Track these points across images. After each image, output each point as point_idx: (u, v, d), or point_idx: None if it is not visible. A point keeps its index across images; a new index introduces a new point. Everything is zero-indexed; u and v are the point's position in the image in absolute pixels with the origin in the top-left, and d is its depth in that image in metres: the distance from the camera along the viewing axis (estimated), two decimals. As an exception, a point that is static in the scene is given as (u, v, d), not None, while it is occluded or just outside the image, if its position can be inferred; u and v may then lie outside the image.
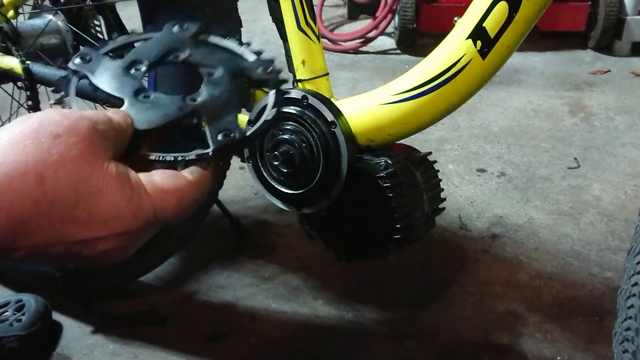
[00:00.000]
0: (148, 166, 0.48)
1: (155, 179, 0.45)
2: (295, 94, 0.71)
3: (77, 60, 0.54)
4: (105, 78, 0.53)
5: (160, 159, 0.48)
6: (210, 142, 0.49)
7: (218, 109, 0.50)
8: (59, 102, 0.51)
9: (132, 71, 0.54)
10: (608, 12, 2.49)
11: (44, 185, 0.37)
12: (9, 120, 1.10)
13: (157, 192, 0.44)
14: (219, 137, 0.49)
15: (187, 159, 0.48)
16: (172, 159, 0.48)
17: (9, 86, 1.12)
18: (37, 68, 0.92)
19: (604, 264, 1.20)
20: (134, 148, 0.48)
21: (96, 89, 0.53)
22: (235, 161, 0.84)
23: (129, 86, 0.52)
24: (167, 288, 1.17)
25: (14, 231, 0.37)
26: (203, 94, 0.52)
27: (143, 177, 0.44)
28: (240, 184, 1.54)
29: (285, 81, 0.58)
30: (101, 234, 0.40)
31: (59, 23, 1.09)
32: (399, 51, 2.78)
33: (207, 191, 0.49)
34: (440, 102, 0.68)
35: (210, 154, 0.49)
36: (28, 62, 0.93)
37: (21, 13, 1.10)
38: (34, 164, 0.37)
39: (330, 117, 0.70)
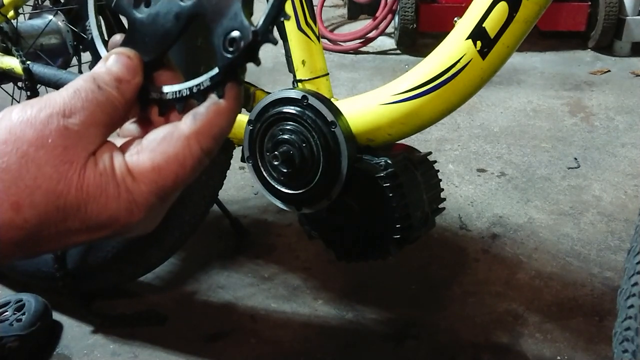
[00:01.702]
0: (151, 116, 0.43)
1: (143, 158, 0.39)
2: (295, 94, 0.71)
3: None
4: None
5: (177, 96, 0.41)
6: (217, 55, 0.40)
7: (218, 1, 0.40)
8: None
9: None
10: (608, 12, 2.49)
11: (23, 212, 0.35)
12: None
13: (148, 174, 0.39)
14: (226, 44, 0.40)
15: (202, 88, 0.41)
16: (188, 92, 0.41)
17: (9, 86, 1.13)
18: (37, 68, 0.92)
19: (604, 264, 1.20)
20: (145, 93, 0.42)
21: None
22: (235, 161, 0.84)
23: None
24: (167, 288, 1.17)
25: (13, 251, 0.36)
26: None
27: (130, 160, 0.39)
28: (240, 184, 1.54)
29: None
30: (102, 235, 0.39)
31: (59, 23, 1.09)
32: (399, 51, 2.78)
33: (225, 131, 0.41)
34: (440, 102, 0.68)
35: (219, 74, 0.40)
36: (28, 62, 0.93)
37: (21, 13, 1.10)
38: (6, 193, 0.35)
39: (330, 117, 0.70)
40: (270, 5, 0.39)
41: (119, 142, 0.41)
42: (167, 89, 0.42)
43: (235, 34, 0.39)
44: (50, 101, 0.37)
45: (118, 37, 0.44)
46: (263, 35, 0.39)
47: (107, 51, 0.45)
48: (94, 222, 0.37)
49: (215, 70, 0.40)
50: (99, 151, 0.38)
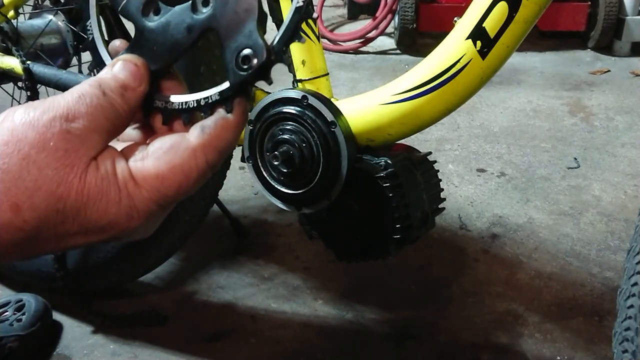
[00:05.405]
0: (155, 125, 0.43)
1: (148, 165, 0.39)
2: (295, 93, 0.71)
3: None
4: None
5: (183, 107, 0.41)
6: (228, 70, 0.40)
7: (232, 17, 0.40)
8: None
9: None
10: (608, 12, 2.49)
11: (22, 214, 0.35)
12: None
13: (151, 181, 0.38)
14: (239, 61, 0.40)
15: (210, 101, 0.40)
16: (195, 104, 0.41)
17: (9, 86, 1.13)
18: (38, 68, 0.92)
19: (603, 264, 1.20)
20: (149, 100, 0.42)
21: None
22: (235, 161, 0.84)
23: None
24: (167, 288, 1.17)
25: (12, 251, 0.36)
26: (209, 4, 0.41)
27: (134, 165, 0.39)
28: (240, 184, 1.54)
29: None
30: (101, 238, 0.39)
31: (59, 23, 1.09)
32: (399, 51, 2.78)
33: (230, 146, 0.41)
34: (440, 102, 0.68)
35: (230, 89, 0.40)
36: (28, 62, 0.93)
37: (21, 13, 1.10)
38: (6, 195, 0.35)
39: (330, 117, 0.70)
40: (286, 27, 0.39)
41: (119, 146, 0.41)
42: (173, 98, 0.42)
43: (249, 52, 0.39)
44: (54, 104, 0.37)
45: (118, 42, 0.44)
46: (277, 56, 0.39)
47: (108, 52, 0.45)
48: (93, 225, 0.38)
49: (225, 85, 0.40)
50: (100, 156, 0.38)
